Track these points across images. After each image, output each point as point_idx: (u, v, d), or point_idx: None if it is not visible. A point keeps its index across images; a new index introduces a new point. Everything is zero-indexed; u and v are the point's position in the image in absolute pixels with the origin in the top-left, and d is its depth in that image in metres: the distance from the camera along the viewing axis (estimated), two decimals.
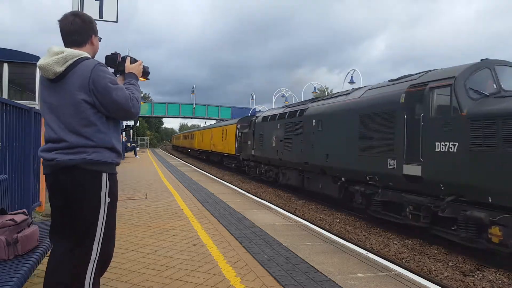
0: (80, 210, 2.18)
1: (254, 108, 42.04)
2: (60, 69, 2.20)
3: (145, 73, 2.71)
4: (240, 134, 21.32)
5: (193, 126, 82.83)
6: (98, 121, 2.22)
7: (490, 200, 5.74)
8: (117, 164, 2.35)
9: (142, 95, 2.90)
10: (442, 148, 6.45)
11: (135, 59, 2.62)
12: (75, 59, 2.20)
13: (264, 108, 39.76)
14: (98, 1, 5.64)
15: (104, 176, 2.23)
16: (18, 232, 2.54)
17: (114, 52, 2.58)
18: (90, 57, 2.28)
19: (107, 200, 2.24)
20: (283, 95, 37.57)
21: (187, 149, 47.91)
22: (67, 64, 2.19)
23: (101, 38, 2.47)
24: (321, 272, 3.80)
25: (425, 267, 6.19)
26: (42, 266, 3.61)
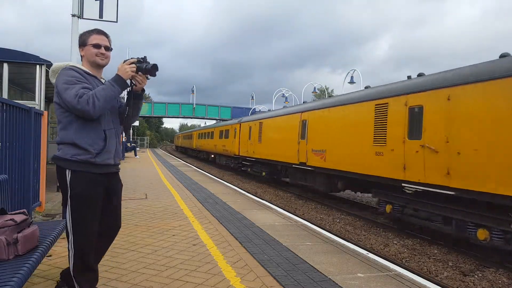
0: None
1: (254, 108, 42.02)
2: (53, 80, 2.61)
3: (143, 70, 2.64)
4: None
5: (193, 126, 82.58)
6: (64, 119, 2.52)
7: None
8: (85, 162, 2.50)
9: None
10: None
11: (139, 59, 2.63)
12: (61, 69, 2.56)
13: (264, 108, 39.78)
14: (98, 1, 5.63)
15: (67, 172, 2.50)
16: (18, 232, 2.53)
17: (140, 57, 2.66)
18: (73, 66, 2.58)
19: (71, 195, 2.51)
20: (283, 95, 37.57)
21: (204, 154, 34.99)
22: (56, 75, 2.58)
23: (100, 45, 2.66)
24: (321, 272, 3.80)
25: (425, 267, 6.19)
26: (42, 266, 3.62)
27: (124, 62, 2.61)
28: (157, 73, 2.66)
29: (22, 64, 7.68)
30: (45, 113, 5.94)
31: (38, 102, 7.56)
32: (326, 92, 42.15)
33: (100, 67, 2.71)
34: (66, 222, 2.56)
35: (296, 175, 13.41)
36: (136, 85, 2.69)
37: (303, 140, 12.43)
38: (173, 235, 5.09)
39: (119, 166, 2.86)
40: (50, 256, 3.94)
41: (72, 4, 5.50)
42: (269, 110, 26.78)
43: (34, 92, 7.84)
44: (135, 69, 2.59)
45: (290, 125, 13.77)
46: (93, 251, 2.66)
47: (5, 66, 7.39)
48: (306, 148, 12.13)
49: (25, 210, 2.89)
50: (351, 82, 24.35)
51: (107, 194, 2.71)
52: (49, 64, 7.71)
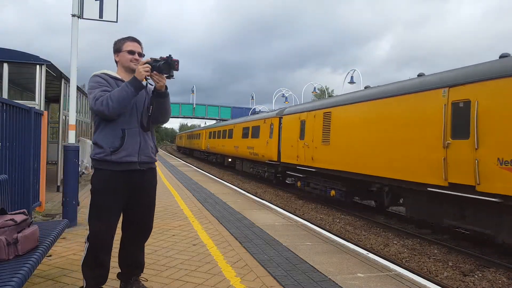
0: None
1: (254, 108, 42.03)
2: None
3: (156, 69, 2.61)
4: None
5: (193, 126, 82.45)
6: (95, 122, 2.73)
7: None
8: (103, 160, 2.66)
9: None
10: None
11: (154, 59, 2.62)
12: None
13: (264, 108, 39.76)
14: (98, 1, 5.63)
15: (93, 170, 2.78)
16: (18, 232, 2.53)
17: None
18: (99, 73, 2.74)
19: (91, 190, 2.75)
20: (283, 95, 37.58)
21: (217, 157, 27.99)
22: None
23: (134, 52, 2.79)
24: (321, 272, 3.80)
25: (425, 267, 6.19)
26: (42, 266, 3.61)
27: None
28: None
29: (22, 64, 7.67)
30: (45, 113, 5.94)
31: (38, 102, 7.55)
32: (326, 92, 42.14)
33: (133, 72, 2.73)
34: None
35: (440, 210, 7.15)
36: (156, 84, 2.69)
37: (464, 141, 6.46)
38: (173, 235, 5.09)
39: (152, 164, 2.87)
40: (50, 256, 3.94)
41: (72, 4, 5.49)
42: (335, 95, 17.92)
43: (34, 92, 7.83)
44: (148, 68, 2.59)
45: (421, 113, 7.51)
46: (107, 248, 2.74)
47: (5, 66, 7.38)
48: (478, 156, 6.16)
49: (25, 210, 2.89)
50: (351, 82, 24.35)
51: (133, 191, 2.76)
52: (49, 64, 7.71)
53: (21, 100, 9.07)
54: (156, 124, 2.94)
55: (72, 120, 5.79)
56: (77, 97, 7.20)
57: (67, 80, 8.90)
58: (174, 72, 2.64)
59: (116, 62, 2.86)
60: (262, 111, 30.29)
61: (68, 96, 9.14)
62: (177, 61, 2.63)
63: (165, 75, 2.65)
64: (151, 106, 2.78)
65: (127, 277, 2.96)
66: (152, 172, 2.90)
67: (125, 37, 2.83)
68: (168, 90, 2.78)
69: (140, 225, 2.91)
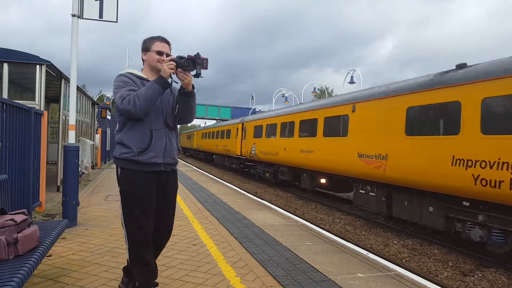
0: None
1: (254, 108, 42.03)
2: None
3: (181, 66, 2.55)
4: None
5: (193, 126, 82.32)
6: (120, 122, 2.71)
7: None
8: (130, 160, 2.63)
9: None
10: None
11: (180, 56, 2.56)
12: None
13: (264, 108, 39.77)
14: (98, 1, 5.63)
15: (118, 170, 2.72)
16: (18, 232, 2.53)
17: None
18: (125, 72, 2.75)
19: (120, 190, 2.72)
20: (283, 95, 37.58)
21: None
22: None
23: (162, 53, 2.75)
24: (321, 272, 3.80)
25: (425, 267, 6.19)
26: (42, 266, 3.61)
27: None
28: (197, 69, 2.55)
29: (22, 64, 7.67)
30: (45, 113, 5.94)
31: (38, 102, 7.55)
32: (326, 92, 42.14)
33: (159, 72, 2.69)
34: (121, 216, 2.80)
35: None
36: (181, 82, 2.65)
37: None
38: (173, 235, 5.06)
39: (175, 166, 2.86)
40: (50, 256, 3.94)
41: (72, 4, 5.49)
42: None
43: (34, 92, 7.83)
44: (173, 66, 2.55)
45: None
46: (147, 245, 2.73)
47: (5, 66, 7.38)
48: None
49: (25, 210, 2.89)
50: (351, 82, 24.35)
51: (157, 193, 2.76)
52: (49, 64, 7.71)
53: (21, 100, 9.05)
54: (181, 124, 2.91)
55: (72, 120, 5.79)
56: (77, 97, 7.20)
57: (67, 80, 8.90)
58: (203, 70, 2.56)
59: (143, 60, 2.83)
60: (262, 111, 30.71)
61: (68, 96, 9.14)
62: (206, 60, 2.56)
63: (191, 74, 2.59)
64: (177, 105, 2.74)
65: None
66: (174, 174, 2.89)
67: (154, 36, 2.81)
68: (195, 89, 2.73)
69: (164, 227, 2.88)
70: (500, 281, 5.56)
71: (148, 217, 2.71)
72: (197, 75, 2.58)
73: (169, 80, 2.61)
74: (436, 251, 7.00)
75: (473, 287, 5.45)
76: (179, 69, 2.56)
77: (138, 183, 2.65)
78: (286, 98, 36.91)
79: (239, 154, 19.69)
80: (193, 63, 2.53)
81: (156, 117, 2.69)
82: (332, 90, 55.38)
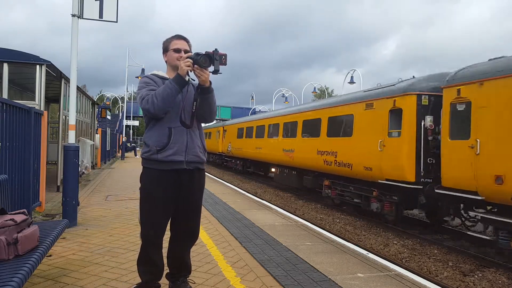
0: None
1: (254, 108, 42.05)
2: None
3: (197, 63, 2.49)
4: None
5: None
6: (146, 122, 2.74)
7: None
8: (150, 159, 2.67)
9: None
10: None
11: (197, 53, 2.51)
12: None
13: (264, 108, 39.80)
14: (98, 1, 5.63)
15: (143, 168, 2.76)
16: (18, 232, 2.53)
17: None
18: (153, 72, 2.79)
19: (140, 188, 2.77)
20: (283, 95, 37.60)
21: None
22: None
23: (180, 50, 2.72)
24: (321, 272, 3.80)
25: (425, 267, 6.19)
26: (42, 266, 3.61)
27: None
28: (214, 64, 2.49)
29: (22, 64, 7.68)
30: (45, 113, 5.94)
31: (38, 102, 7.56)
32: (326, 92, 42.15)
33: None
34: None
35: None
36: (198, 79, 2.59)
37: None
38: None
39: (200, 164, 2.79)
40: (50, 256, 3.94)
41: (72, 4, 5.50)
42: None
43: (34, 92, 7.84)
44: (189, 63, 2.49)
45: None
46: (157, 245, 2.77)
47: (5, 66, 7.38)
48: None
49: (25, 210, 2.89)
50: (351, 82, 24.36)
51: (181, 192, 2.72)
52: (48, 64, 7.71)
53: (21, 100, 9.06)
54: (202, 122, 2.84)
55: (72, 120, 5.79)
56: (77, 97, 7.20)
57: (67, 80, 8.91)
58: (222, 66, 2.49)
59: (166, 62, 2.83)
60: (262, 111, 30.90)
61: (68, 96, 9.14)
62: (225, 55, 2.50)
63: (209, 70, 2.54)
64: (195, 103, 2.69)
65: (175, 278, 2.97)
66: (200, 173, 2.82)
67: (172, 36, 2.79)
68: (212, 86, 2.66)
69: (185, 228, 2.86)
70: (500, 281, 5.56)
71: (163, 218, 2.70)
72: (216, 72, 2.52)
73: (187, 78, 2.57)
74: (436, 251, 7.00)
75: (473, 287, 5.45)
76: (195, 65, 2.50)
77: (156, 182, 2.66)
78: (286, 98, 36.93)
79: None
80: (210, 60, 2.48)
81: (176, 115, 2.66)
82: (332, 90, 55.41)
